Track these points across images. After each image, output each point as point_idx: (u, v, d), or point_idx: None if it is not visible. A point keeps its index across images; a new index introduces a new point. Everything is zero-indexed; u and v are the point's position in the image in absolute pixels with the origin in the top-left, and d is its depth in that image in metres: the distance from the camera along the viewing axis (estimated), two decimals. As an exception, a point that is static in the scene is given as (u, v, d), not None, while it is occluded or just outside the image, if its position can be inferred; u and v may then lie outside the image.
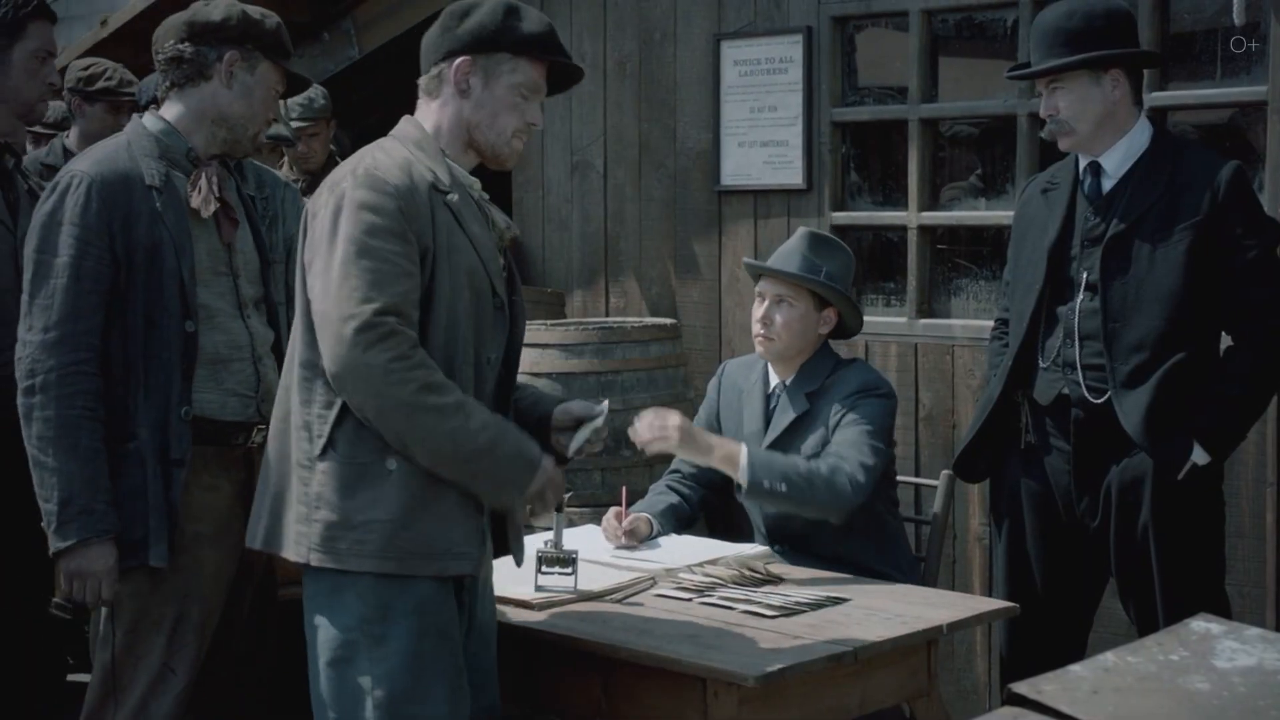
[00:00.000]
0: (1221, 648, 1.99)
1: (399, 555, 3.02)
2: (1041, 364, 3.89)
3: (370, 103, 7.45)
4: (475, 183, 3.23)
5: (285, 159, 5.91)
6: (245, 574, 3.59)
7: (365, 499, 3.02)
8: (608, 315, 5.95)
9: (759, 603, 3.47)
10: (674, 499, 4.14)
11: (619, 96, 5.96)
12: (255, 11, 3.56)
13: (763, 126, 5.54)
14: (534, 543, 3.74)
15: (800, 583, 3.68)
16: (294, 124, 5.76)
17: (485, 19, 3.21)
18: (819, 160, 5.41)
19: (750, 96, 5.56)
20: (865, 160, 5.48)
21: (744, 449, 3.76)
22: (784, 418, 3.98)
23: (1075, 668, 1.95)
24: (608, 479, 5.13)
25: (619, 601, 3.54)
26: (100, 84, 5.39)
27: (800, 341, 3.99)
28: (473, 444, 3.00)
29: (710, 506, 4.10)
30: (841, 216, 5.38)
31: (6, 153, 3.92)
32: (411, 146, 3.18)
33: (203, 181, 3.49)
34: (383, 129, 3.33)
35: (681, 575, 3.71)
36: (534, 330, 5.05)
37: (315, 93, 5.81)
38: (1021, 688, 1.88)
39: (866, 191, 5.45)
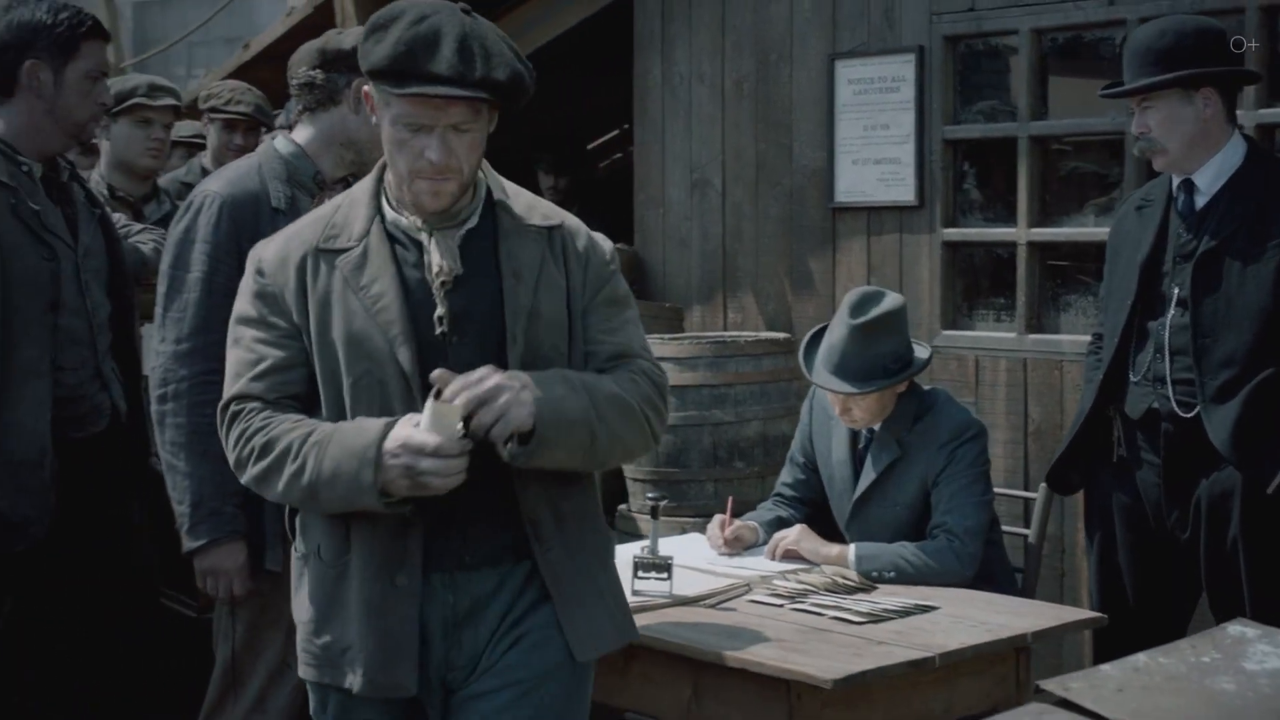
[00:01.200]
0: (1253, 651, 2.03)
1: (316, 663, 2.79)
2: (1132, 378, 3.92)
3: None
4: (411, 222, 2.75)
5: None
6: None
7: (300, 598, 2.84)
8: (725, 330, 6.05)
9: (848, 609, 3.56)
10: (781, 512, 4.32)
11: (737, 116, 6.07)
12: None
13: (876, 144, 5.61)
14: (633, 549, 3.88)
15: (891, 591, 3.76)
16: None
17: (360, 40, 2.70)
18: (931, 177, 5.46)
19: (864, 115, 5.63)
20: (980, 177, 5.53)
21: (852, 548, 3.92)
22: (876, 464, 4.08)
23: (1105, 667, 2.01)
24: (719, 490, 5.23)
25: (713, 607, 3.64)
26: (210, 103, 5.62)
27: (884, 412, 4.08)
28: (306, 477, 2.66)
29: (812, 524, 4.19)
30: (952, 233, 5.43)
31: (62, 168, 3.84)
32: (345, 197, 2.86)
33: None
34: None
35: (775, 582, 3.80)
36: (651, 343, 5.14)
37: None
38: (1049, 684, 1.95)
39: (978, 208, 5.49)
